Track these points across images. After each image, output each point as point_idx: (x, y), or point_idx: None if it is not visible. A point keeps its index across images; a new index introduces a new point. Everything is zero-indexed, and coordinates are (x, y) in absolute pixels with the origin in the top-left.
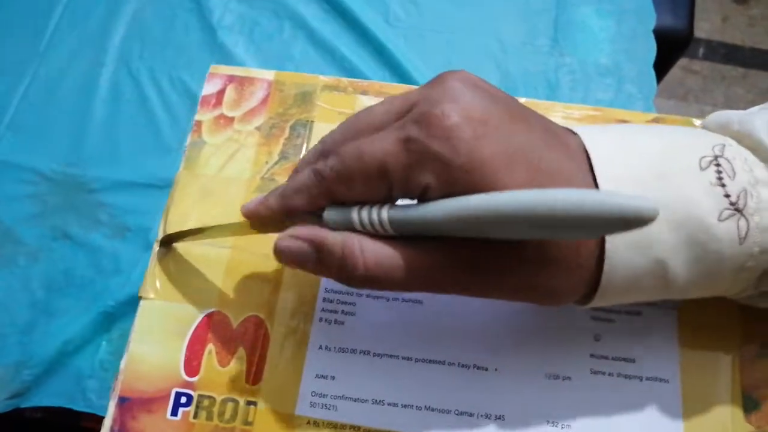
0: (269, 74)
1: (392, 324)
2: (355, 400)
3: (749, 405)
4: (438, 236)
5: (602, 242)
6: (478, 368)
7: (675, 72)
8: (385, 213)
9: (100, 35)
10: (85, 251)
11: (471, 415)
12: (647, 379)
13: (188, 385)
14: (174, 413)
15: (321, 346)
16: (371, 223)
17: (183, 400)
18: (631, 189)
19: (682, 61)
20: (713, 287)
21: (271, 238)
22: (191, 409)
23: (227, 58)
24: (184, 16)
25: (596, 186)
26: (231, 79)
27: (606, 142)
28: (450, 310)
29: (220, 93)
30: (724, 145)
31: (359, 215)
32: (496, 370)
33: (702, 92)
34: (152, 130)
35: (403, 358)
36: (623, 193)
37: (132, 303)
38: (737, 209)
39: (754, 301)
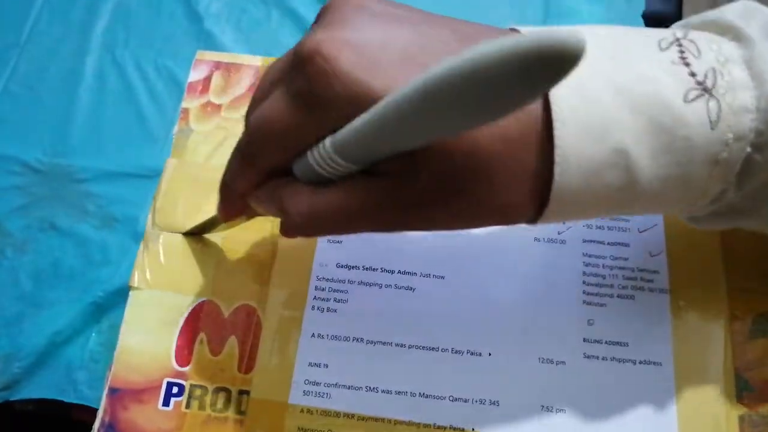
0: (256, 60)
1: (385, 311)
2: (348, 388)
3: (741, 386)
4: (376, 173)
5: (550, 136)
6: (472, 354)
7: None
8: (328, 141)
9: (84, 23)
10: (73, 242)
11: (465, 401)
12: (640, 362)
13: (180, 374)
14: (166, 403)
15: (313, 334)
16: (323, 159)
17: (174, 390)
18: (581, 67)
19: None
20: (686, 187)
21: (261, 228)
22: (183, 399)
23: (214, 46)
24: (169, 3)
25: None
26: (218, 65)
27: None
28: (443, 296)
29: (207, 80)
30: (687, 30)
31: (313, 156)
32: (489, 355)
33: None
34: (138, 120)
35: (396, 344)
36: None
37: (121, 293)
38: (705, 89)
39: (739, 220)
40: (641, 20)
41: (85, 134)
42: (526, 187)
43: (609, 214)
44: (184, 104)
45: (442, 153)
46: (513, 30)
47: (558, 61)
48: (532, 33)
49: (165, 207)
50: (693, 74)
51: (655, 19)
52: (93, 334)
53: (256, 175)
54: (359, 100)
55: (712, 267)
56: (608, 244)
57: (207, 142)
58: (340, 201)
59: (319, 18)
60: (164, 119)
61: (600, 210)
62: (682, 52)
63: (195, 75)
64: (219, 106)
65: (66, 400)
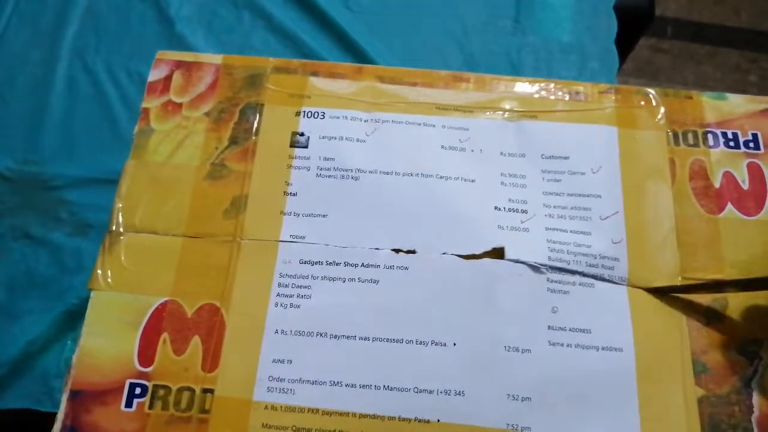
0: (217, 58)
1: (349, 305)
2: (312, 383)
3: (699, 369)
4: None
5: None
6: (436, 344)
7: (644, 51)
8: None
9: (54, 29)
10: (47, 250)
11: (430, 392)
12: (603, 348)
13: (143, 375)
14: (128, 404)
15: (277, 330)
16: None
17: (137, 390)
18: None
19: (651, 41)
20: None
21: (222, 226)
22: (146, 399)
23: (186, 50)
24: (140, 7)
25: None
26: (178, 64)
27: None
28: (407, 286)
29: (167, 79)
30: None
31: None
32: (454, 345)
33: (672, 71)
34: (110, 125)
35: (360, 338)
36: None
37: None
38: None
39: None
40: (612, 13)
41: (57, 141)
42: None
43: None
44: (144, 104)
45: None
46: None
47: None
48: None
49: (126, 208)
50: None
51: (626, 13)
52: (69, 342)
53: None
54: None
55: (668, 254)
56: (571, 231)
57: (168, 141)
58: None
59: None
60: (136, 124)
61: None
62: None
63: (155, 75)
64: (179, 105)
65: (43, 408)
